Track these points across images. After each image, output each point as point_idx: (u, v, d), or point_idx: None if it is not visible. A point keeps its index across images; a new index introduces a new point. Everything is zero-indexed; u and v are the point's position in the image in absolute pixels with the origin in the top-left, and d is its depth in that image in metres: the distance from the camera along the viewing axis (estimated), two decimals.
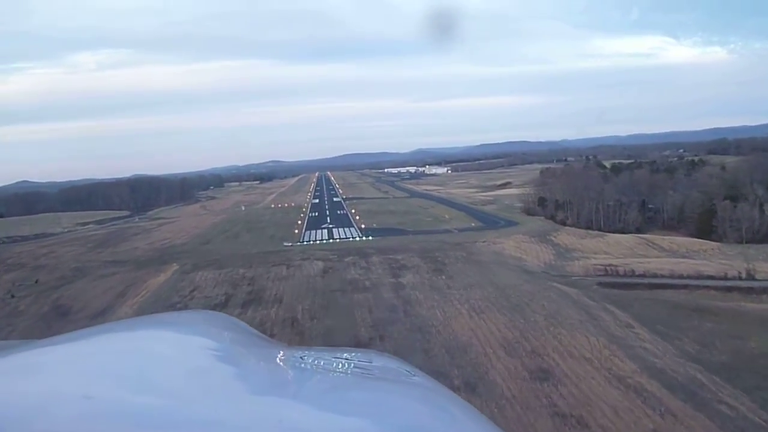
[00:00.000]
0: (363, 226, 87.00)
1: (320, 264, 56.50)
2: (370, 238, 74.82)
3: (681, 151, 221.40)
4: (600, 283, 47.81)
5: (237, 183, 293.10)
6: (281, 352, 2.08)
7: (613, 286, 47.20)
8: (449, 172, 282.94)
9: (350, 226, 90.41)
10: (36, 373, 1.49)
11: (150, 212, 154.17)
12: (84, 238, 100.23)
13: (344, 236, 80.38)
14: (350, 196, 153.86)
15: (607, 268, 52.37)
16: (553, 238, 70.73)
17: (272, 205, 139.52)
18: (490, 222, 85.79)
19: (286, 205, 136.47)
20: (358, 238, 76.68)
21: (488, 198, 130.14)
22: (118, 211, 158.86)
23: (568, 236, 71.93)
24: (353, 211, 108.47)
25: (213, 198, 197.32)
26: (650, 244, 68.96)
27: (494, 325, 36.05)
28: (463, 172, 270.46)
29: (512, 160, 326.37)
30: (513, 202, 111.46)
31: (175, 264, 63.82)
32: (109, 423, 1.16)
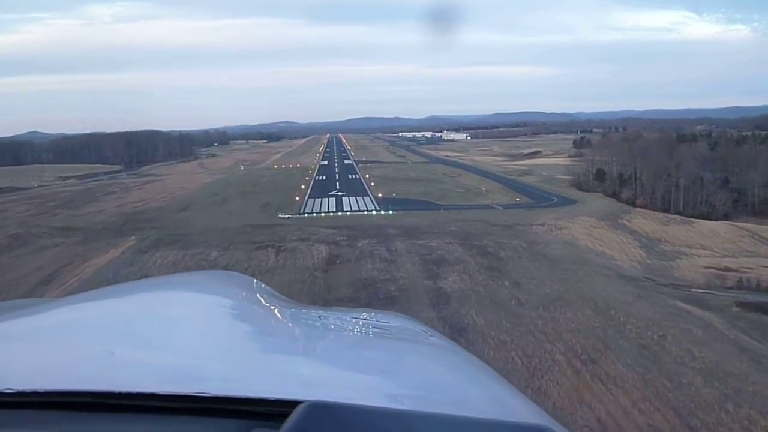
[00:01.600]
0: (380, 195, 71.03)
1: (323, 249, 40.82)
2: (390, 212, 58.87)
3: (714, 126, 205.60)
4: (740, 304, 31.76)
5: (243, 141, 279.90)
6: (300, 312, 2.10)
7: (761, 308, 31.23)
8: (468, 138, 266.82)
9: (364, 194, 74.31)
10: (60, 330, 1.54)
11: (142, 168, 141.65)
12: (51, 194, 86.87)
13: (356, 208, 64.61)
14: (363, 159, 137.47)
15: (741, 277, 36.22)
16: (627, 223, 54.56)
17: (275, 166, 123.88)
18: (538, 197, 69.43)
19: (290, 166, 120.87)
20: (374, 212, 60.71)
21: (522, 167, 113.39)
22: (110, 166, 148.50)
23: (645, 221, 55.63)
24: (367, 176, 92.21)
25: (214, 155, 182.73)
26: (755, 236, 52.70)
27: (623, 392, 20.34)
28: (483, 139, 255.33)
29: (535, 129, 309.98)
30: (553, 173, 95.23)
31: (133, 237, 48.77)
32: (132, 378, 1.17)
